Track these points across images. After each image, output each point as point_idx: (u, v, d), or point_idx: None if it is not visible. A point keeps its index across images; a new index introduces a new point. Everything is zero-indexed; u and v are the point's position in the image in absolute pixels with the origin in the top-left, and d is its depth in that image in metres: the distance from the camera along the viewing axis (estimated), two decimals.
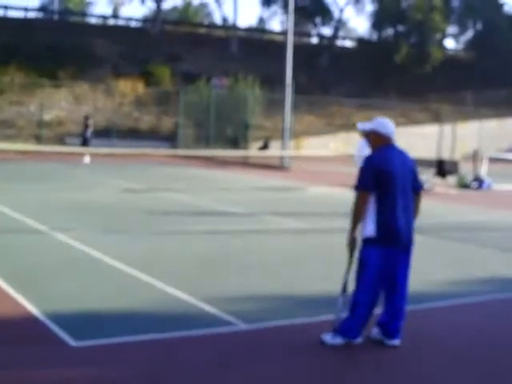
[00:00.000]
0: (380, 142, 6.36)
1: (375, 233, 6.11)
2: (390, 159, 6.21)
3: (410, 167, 6.35)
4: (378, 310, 6.43)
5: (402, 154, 6.36)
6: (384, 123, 6.41)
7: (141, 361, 5.80)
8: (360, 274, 6.22)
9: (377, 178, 6.10)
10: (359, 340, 6.32)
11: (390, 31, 61.25)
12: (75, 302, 7.45)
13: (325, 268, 9.85)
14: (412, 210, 6.35)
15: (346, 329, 6.27)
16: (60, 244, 10.74)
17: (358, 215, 6.16)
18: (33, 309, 7.05)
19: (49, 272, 8.84)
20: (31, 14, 66.20)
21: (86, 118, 32.87)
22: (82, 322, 6.76)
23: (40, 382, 5.31)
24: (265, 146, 38.14)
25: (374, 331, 6.47)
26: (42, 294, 7.71)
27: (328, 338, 6.35)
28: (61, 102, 43.70)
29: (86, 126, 31.84)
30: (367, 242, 6.17)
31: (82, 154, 30.01)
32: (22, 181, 21.25)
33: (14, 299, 7.41)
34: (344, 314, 6.32)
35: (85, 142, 31.44)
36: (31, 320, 6.76)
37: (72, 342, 6.11)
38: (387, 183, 6.11)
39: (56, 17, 67.30)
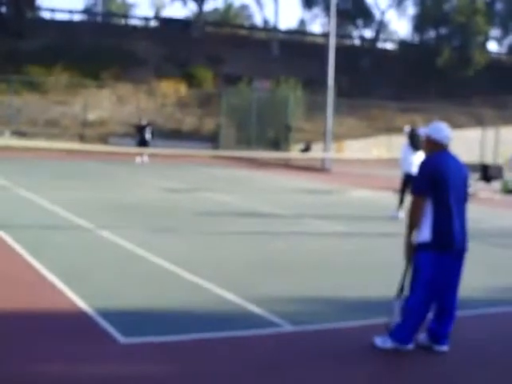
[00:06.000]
0: (433, 148, 6.30)
1: (430, 238, 6.06)
2: (444, 164, 6.15)
3: (464, 174, 6.29)
4: (429, 316, 6.38)
5: (456, 161, 6.29)
6: (438, 129, 6.33)
7: (187, 360, 5.85)
8: (414, 280, 6.17)
9: (432, 182, 6.05)
10: (411, 346, 6.27)
11: (431, 34, 60.89)
12: (124, 298, 7.54)
13: (370, 272, 9.80)
14: (465, 215, 6.31)
15: (399, 334, 6.22)
16: (107, 242, 10.87)
17: (413, 220, 6.12)
18: (83, 304, 7.14)
19: (97, 269, 8.95)
20: (76, 17, 67.19)
21: (140, 119, 33.49)
22: (130, 319, 6.83)
23: (89, 377, 5.38)
24: (306, 149, 38.13)
25: (423, 337, 6.42)
26: (91, 290, 7.80)
27: (379, 341, 6.33)
28: (104, 103, 44.17)
29: (142, 128, 32.18)
30: (422, 247, 6.11)
31: (131, 154, 30.38)
32: (68, 179, 21.50)
33: (65, 294, 7.53)
34: (398, 319, 6.28)
35: (143, 144, 31.73)
36: (81, 315, 6.85)
37: (121, 339, 6.18)
38: (442, 188, 6.06)
39: (99, 19, 68.08)
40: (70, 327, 6.56)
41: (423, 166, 6.24)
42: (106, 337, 6.25)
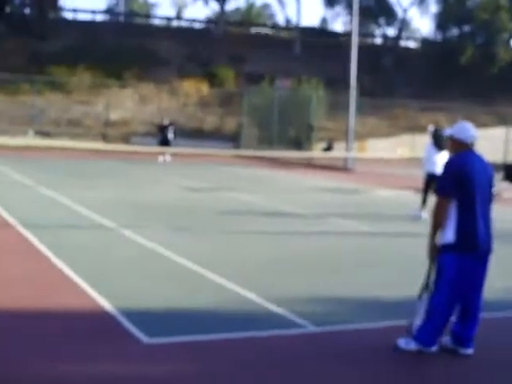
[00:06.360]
0: (458, 148, 6.25)
1: (454, 239, 6.01)
2: (470, 164, 6.10)
3: (489, 173, 6.23)
4: (452, 318, 6.32)
5: (481, 160, 6.24)
6: (463, 129, 6.28)
7: (210, 360, 5.85)
8: (437, 281, 6.11)
9: (457, 183, 6.00)
10: (434, 348, 6.21)
11: (454, 31, 60.47)
12: (147, 298, 7.56)
13: (393, 272, 9.77)
14: (490, 216, 6.24)
15: (422, 336, 6.17)
16: (130, 241, 10.90)
17: (437, 221, 6.07)
18: (106, 304, 7.18)
19: (120, 268, 9.00)
20: (98, 17, 67.57)
21: (162, 119, 33.65)
22: (153, 319, 6.84)
23: (112, 378, 5.40)
24: (329, 148, 38.07)
25: (447, 339, 6.36)
26: (114, 289, 7.84)
27: (402, 343, 6.28)
28: (126, 102, 44.36)
29: (164, 128, 32.31)
30: (446, 248, 6.06)
31: (153, 154, 30.49)
32: (90, 179, 21.59)
33: (88, 294, 7.56)
34: (420, 321, 6.22)
35: (166, 143, 31.86)
36: (104, 315, 6.88)
37: (144, 339, 6.19)
38: (467, 188, 6.00)
39: (121, 19, 68.35)
40: (92, 327, 6.58)
41: (448, 166, 6.18)
42: (129, 337, 6.27)
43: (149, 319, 6.82)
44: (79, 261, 9.25)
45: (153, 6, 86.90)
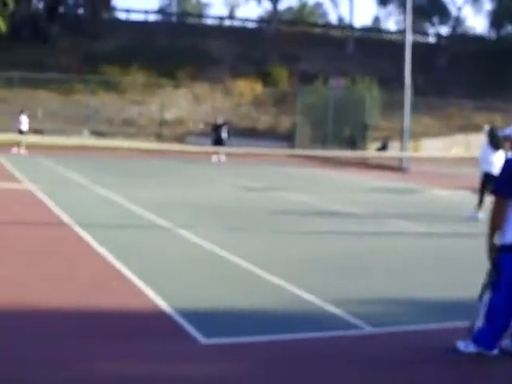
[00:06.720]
0: None
1: None
2: None
3: None
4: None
5: None
6: None
7: (267, 361, 5.82)
8: (497, 282, 5.99)
9: None
10: (495, 352, 6.07)
11: (509, 29, 59.62)
12: (203, 298, 7.56)
13: (450, 273, 9.61)
14: None
15: (482, 338, 6.03)
16: (185, 241, 10.95)
17: (495, 221, 5.96)
18: (163, 304, 7.18)
19: (176, 268, 9.03)
20: (151, 17, 68.18)
21: (216, 118, 33.90)
22: (210, 319, 6.83)
23: (170, 377, 5.41)
24: (384, 147, 37.80)
25: (507, 343, 6.21)
26: (171, 289, 7.86)
27: (461, 345, 6.15)
28: (180, 102, 44.66)
29: (218, 127, 32.53)
30: (504, 249, 5.95)
31: (208, 153, 30.66)
32: (145, 178, 21.83)
33: (145, 294, 7.59)
34: (480, 322, 6.13)
35: (219, 143, 32.05)
36: (161, 315, 6.90)
37: (202, 339, 6.17)
38: None
39: (174, 19, 68.86)
40: (149, 327, 6.61)
41: (506, 166, 6.08)
42: (186, 337, 6.27)
43: (206, 319, 6.81)
44: (135, 260, 9.31)
45: (205, 5, 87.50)
